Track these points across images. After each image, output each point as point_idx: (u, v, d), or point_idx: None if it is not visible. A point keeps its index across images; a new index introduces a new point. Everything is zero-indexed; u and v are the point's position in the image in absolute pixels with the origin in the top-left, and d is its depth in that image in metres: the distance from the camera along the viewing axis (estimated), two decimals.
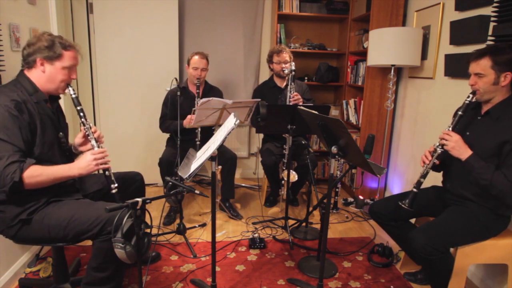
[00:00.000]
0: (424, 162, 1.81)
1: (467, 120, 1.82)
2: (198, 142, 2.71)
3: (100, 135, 1.75)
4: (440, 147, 1.76)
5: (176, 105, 2.73)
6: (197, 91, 2.77)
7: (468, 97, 1.72)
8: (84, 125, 1.69)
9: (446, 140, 1.71)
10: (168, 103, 2.94)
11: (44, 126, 1.59)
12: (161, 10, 3.39)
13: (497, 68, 1.62)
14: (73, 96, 1.67)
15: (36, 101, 1.58)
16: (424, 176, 1.79)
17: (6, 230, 1.57)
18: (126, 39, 3.40)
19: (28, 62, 1.59)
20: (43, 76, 1.60)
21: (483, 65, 1.65)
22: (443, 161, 1.93)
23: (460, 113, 1.74)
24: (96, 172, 1.67)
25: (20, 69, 1.64)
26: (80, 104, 1.69)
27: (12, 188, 1.41)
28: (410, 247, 1.76)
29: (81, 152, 1.81)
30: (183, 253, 2.38)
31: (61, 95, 1.76)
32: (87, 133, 1.70)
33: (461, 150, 1.68)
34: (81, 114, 1.68)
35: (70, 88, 1.67)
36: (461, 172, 1.79)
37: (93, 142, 1.68)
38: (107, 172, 1.67)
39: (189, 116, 2.72)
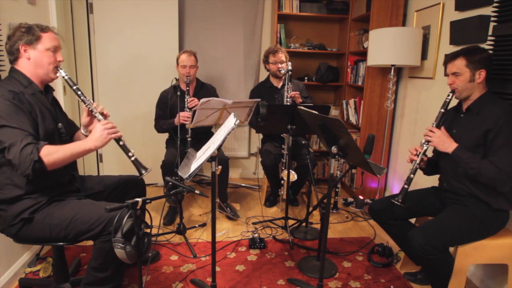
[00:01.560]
0: (412, 160, 1.87)
1: (452, 119, 1.93)
2: (189, 139, 2.73)
3: (104, 109, 1.73)
4: (426, 143, 1.83)
5: (168, 105, 2.80)
6: (187, 88, 2.79)
7: (448, 96, 1.84)
8: (85, 103, 1.68)
9: (430, 136, 1.80)
10: (161, 104, 2.97)
11: (44, 116, 1.58)
12: (161, 10, 3.39)
13: (471, 67, 1.75)
14: (66, 77, 1.66)
15: (32, 93, 1.58)
16: (413, 172, 1.84)
17: (7, 228, 1.57)
18: (126, 39, 3.40)
19: (13, 53, 1.58)
20: (30, 63, 1.58)
21: (459, 65, 1.77)
22: (436, 163, 1.98)
23: (442, 110, 1.83)
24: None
25: (10, 66, 1.63)
26: (75, 84, 1.67)
27: (34, 169, 1.39)
28: (409, 247, 1.77)
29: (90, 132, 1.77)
30: (183, 253, 2.38)
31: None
32: (90, 109, 1.68)
33: (446, 144, 1.76)
34: (79, 92, 1.66)
35: (61, 71, 1.65)
36: (452, 167, 1.85)
37: (99, 116, 1.66)
38: (120, 142, 1.65)
39: (181, 113, 2.71)
